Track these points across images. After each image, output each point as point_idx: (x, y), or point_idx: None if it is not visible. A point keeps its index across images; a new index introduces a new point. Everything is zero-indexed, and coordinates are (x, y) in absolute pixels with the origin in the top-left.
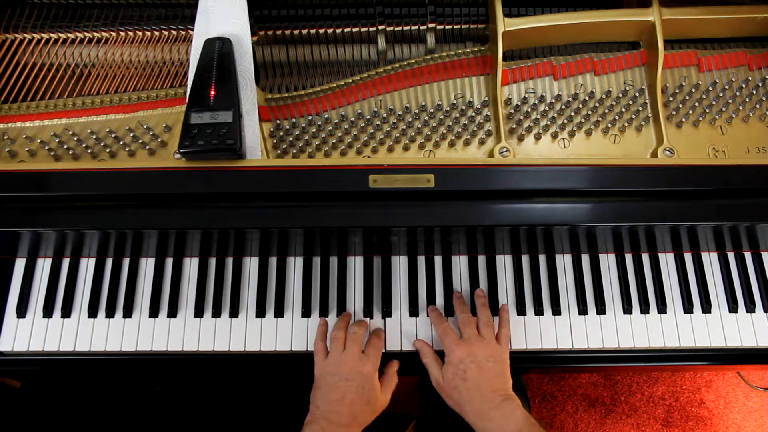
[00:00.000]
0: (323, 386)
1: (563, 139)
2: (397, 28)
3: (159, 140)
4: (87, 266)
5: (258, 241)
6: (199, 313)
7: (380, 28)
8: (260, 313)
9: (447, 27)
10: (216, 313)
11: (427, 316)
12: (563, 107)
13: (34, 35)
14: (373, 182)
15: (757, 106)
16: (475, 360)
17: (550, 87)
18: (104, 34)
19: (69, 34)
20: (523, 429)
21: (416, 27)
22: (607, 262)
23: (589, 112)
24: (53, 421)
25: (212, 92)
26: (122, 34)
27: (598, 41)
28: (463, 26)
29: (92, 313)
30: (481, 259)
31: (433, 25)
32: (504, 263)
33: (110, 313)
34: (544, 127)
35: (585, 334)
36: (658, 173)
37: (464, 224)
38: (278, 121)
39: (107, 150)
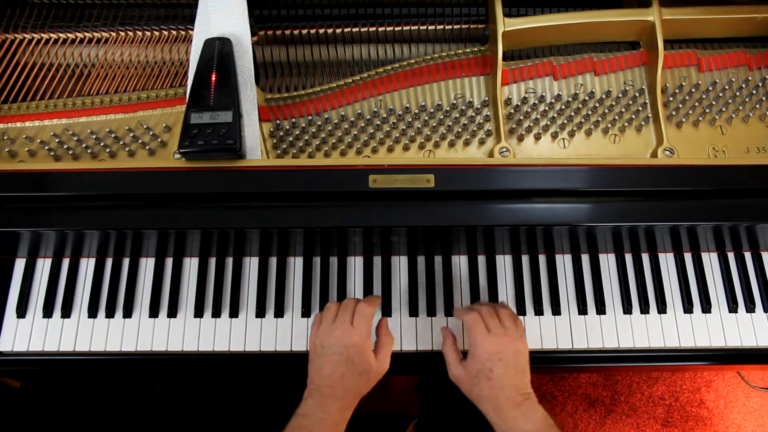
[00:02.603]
0: (315, 359)
1: (563, 139)
2: (396, 28)
3: (159, 140)
4: (87, 266)
5: (258, 241)
6: (199, 313)
7: (380, 28)
8: (260, 313)
9: (447, 27)
10: (216, 313)
11: (427, 316)
12: (563, 107)
13: (34, 35)
14: (373, 182)
15: (757, 106)
16: (503, 357)
17: (550, 87)
18: (104, 34)
19: (69, 34)
20: (542, 430)
21: (416, 27)
22: (607, 262)
23: (589, 112)
24: (53, 421)
25: (212, 92)
26: (122, 34)
27: (598, 41)
28: (463, 26)
29: (92, 313)
30: (481, 259)
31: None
32: (504, 263)
33: (110, 313)
34: (544, 127)
35: (585, 334)
36: (658, 173)
37: (464, 224)
38: (278, 121)
39: (107, 150)
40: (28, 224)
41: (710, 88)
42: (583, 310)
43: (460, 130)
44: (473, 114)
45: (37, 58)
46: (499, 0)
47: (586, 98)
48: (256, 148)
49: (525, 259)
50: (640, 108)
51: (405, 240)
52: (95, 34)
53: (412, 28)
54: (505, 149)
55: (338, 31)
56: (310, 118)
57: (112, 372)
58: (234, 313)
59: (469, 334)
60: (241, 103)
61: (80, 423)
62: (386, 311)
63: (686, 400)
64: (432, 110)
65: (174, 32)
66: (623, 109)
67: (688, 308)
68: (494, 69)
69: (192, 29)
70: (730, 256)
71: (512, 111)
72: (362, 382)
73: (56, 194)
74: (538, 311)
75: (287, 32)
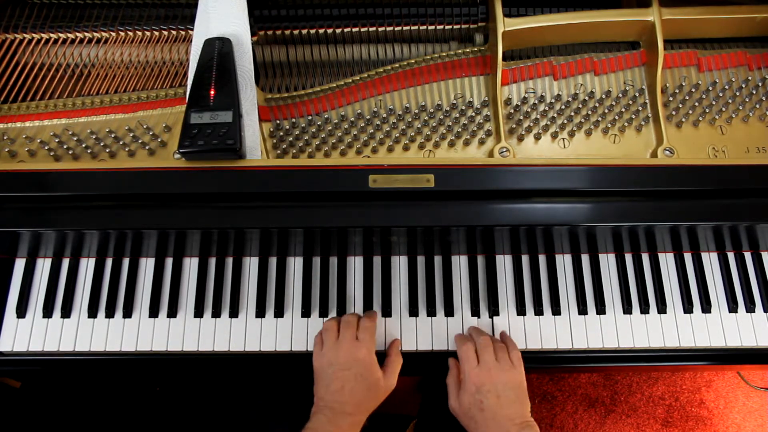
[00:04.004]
0: (323, 377)
1: (563, 139)
2: (396, 28)
3: (159, 140)
4: (87, 266)
5: (258, 241)
6: (198, 313)
7: (380, 28)
8: (260, 313)
9: (447, 27)
10: (216, 313)
11: (427, 316)
12: (563, 107)
13: (34, 35)
14: (373, 182)
15: (757, 106)
16: (493, 389)
17: (550, 87)
18: (104, 34)
19: (69, 34)
20: None
21: (416, 27)
22: (607, 262)
23: (589, 112)
24: (53, 421)
25: (212, 92)
26: (122, 34)
27: (598, 41)
28: (463, 26)
29: (92, 313)
30: (481, 259)
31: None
32: (504, 263)
33: (110, 313)
34: (543, 127)
35: (585, 334)
36: (658, 173)
37: (464, 224)
38: (278, 121)
39: (107, 150)
40: (28, 224)
41: (710, 88)
42: (583, 310)
43: (460, 130)
44: (473, 114)
45: (37, 58)
46: (499, 0)
47: (586, 98)
48: (256, 148)
49: (525, 259)
50: (640, 108)
51: (405, 240)
52: (95, 34)
53: (412, 28)
54: (505, 149)
55: (338, 31)
56: (310, 118)
57: (112, 372)
58: (234, 313)
59: (460, 368)
60: (241, 103)
61: (80, 423)
62: (386, 311)
63: (686, 400)
64: (432, 110)
65: (174, 32)
66: (623, 109)
67: (688, 308)
68: (494, 69)
69: (192, 29)
70: (730, 256)
71: (512, 111)
72: (371, 396)
73: (56, 194)
74: (538, 311)
75: (287, 32)
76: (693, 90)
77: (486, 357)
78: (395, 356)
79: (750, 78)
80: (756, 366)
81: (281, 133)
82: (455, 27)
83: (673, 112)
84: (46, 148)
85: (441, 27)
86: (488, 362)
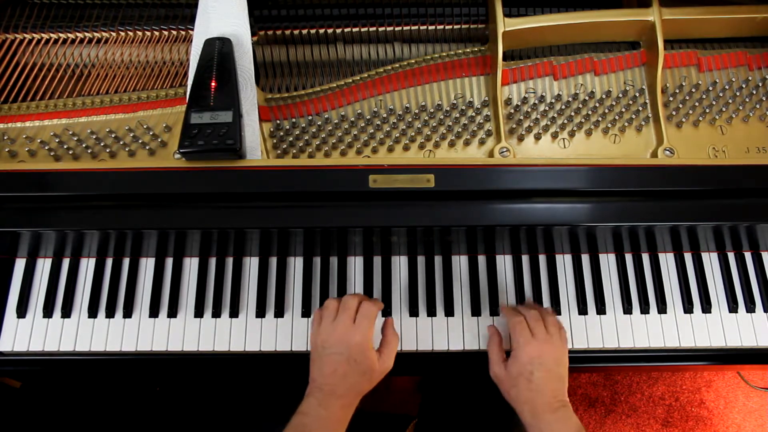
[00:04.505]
0: (316, 358)
1: (563, 139)
2: (396, 28)
3: (159, 140)
4: (87, 266)
5: (258, 241)
6: (199, 313)
7: (380, 28)
8: (260, 313)
9: (447, 27)
10: (216, 313)
11: (427, 316)
12: (563, 107)
13: (34, 35)
14: (373, 182)
15: (757, 106)
16: (544, 363)
17: (550, 87)
18: (104, 34)
19: (69, 34)
20: None
21: (416, 27)
22: (607, 262)
23: (589, 112)
24: (53, 421)
25: (212, 92)
26: (122, 34)
27: (598, 41)
28: (463, 26)
29: (92, 313)
30: (481, 259)
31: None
32: (504, 263)
33: (110, 313)
34: (544, 127)
35: (585, 334)
36: (658, 173)
37: (464, 224)
38: (278, 121)
39: (107, 150)
40: (28, 224)
41: (710, 88)
42: (583, 310)
43: (460, 130)
44: (473, 114)
45: (37, 58)
46: (499, 0)
47: (586, 98)
48: (256, 148)
49: (525, 259)
50: (640, 108)
51: (405, 240)
52: (95, 34)
53: (412, 28)
54: (505, 149)
55: (338, 31)
56: (310, 118)
57: (112, 372)
58: (234, 313)
59: (512, 337)
60: (241, 103)
61: (80, 423)
62: (386, 311)
63: (686, 400)
64: (432, 110)
65: (174, 32)
66: (623, 109)
67: (688, 308)
68: (494, 69)
69: (192, 29)
70: (730, 256)
71: (512, 111)
72: (364, 380)
73: (56, 194)
74: None
75: (287, 32)
76: (693, 90)
77: (538, 330)
78: (391, 336)
79: (750, 78)
80: (756, 366)
81: (281, 133)
82: (455, 27)
83: (673, 112)
84: (46, 148)
85: (441, 27)
86: (541, 336)
